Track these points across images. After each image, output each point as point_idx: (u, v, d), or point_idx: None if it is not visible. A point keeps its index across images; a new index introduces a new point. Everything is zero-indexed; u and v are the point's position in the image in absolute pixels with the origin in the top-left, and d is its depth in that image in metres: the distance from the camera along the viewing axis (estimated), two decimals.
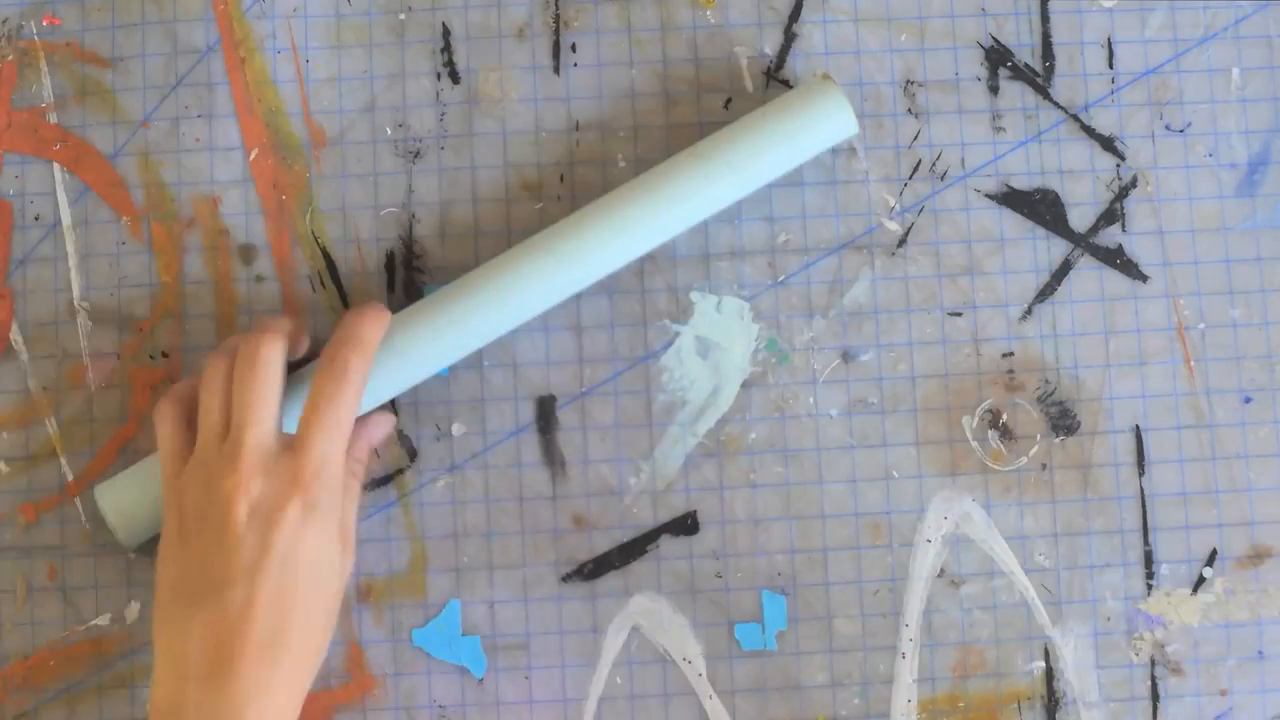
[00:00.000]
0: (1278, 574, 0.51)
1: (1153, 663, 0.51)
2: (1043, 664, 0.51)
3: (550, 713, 0.50)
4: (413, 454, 0.51)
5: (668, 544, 0.51)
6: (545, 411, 0.51)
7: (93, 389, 0.51)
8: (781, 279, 0.52)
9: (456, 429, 0.51)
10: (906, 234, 0.52)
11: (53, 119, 0.52)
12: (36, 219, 0.52)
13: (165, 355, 0.51)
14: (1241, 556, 0.51)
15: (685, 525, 0.51)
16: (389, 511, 0.51)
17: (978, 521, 0.51)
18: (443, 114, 0.52)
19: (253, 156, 0.52)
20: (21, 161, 0.52)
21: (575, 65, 0.53)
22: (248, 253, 0.52)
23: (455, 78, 0.53)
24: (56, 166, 0.52)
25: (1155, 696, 0.51)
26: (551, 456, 0.51)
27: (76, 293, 0.52)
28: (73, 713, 0.50)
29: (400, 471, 0.51)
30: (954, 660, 0.51)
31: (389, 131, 0.52)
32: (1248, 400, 0.52)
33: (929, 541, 0.51)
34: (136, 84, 0.52)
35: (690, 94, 0.53)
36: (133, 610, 0.50)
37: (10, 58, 0.52)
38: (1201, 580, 0.51)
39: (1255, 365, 0.52)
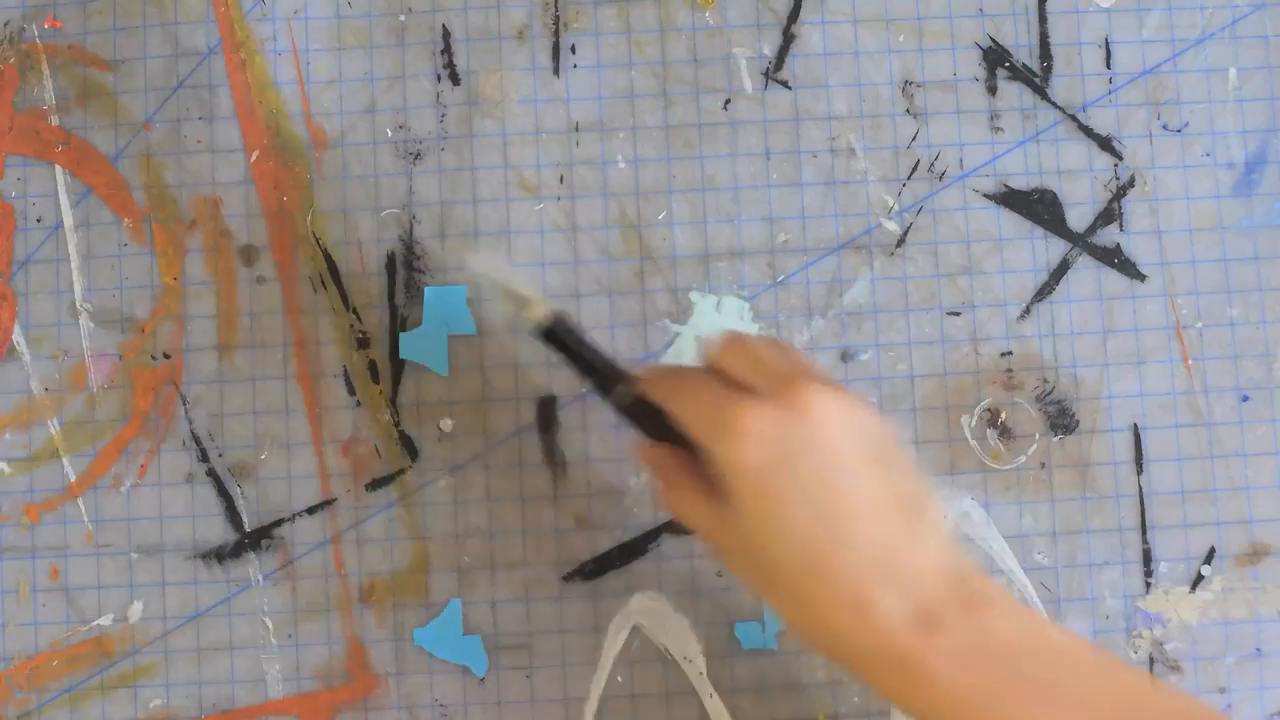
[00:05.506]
0: (1275, 571, 0.52)
1: (1151, 660, 0.51)
2: None
3: (552, 712, 0.50)
4: (414, 454, 0.51)
5: (668, 543, 0.51)
6: (546, 412, 0.52)
7: (94, 390, 0.51)
8: (781, 279, 0.52)
9: (458, 429, 0.51)
10: (905, 234, 0.52)
11: (54, 121, 0.52)
12: (38, 221, 0.52)
13: (167, 356, 0.52)
14: (1239, 554, 0.52)
15: None
16: (391, 512, 0.51)
17: (977, 520, 0.51)
18: (443, 115, 0.53)
19: (254, 158, 0.52)
20: (23, 163, 0.52)
21: (575, 67, 0.53)
22: (249, 254, 0.52)
23: (455, 79, 0.53)
24: (58, 168, 0.52)
25: None
26: (553, 456, 0.51)
27: (78, 294, 0.52)
28: (76, 713, 0.50)
29: (402, 472, 0.51)
30: None
31: (389, 133, 0.52)
32: (1245, 399, 0.52)
33: None
34: (138, 86, 0.52)
35: (689, 95, 0.53)
36: (135, 610, 0.51)
37: (12, 60, 0.53)
38: (1200, 578, 0.51)
39: (1253, 364, 0.52)
